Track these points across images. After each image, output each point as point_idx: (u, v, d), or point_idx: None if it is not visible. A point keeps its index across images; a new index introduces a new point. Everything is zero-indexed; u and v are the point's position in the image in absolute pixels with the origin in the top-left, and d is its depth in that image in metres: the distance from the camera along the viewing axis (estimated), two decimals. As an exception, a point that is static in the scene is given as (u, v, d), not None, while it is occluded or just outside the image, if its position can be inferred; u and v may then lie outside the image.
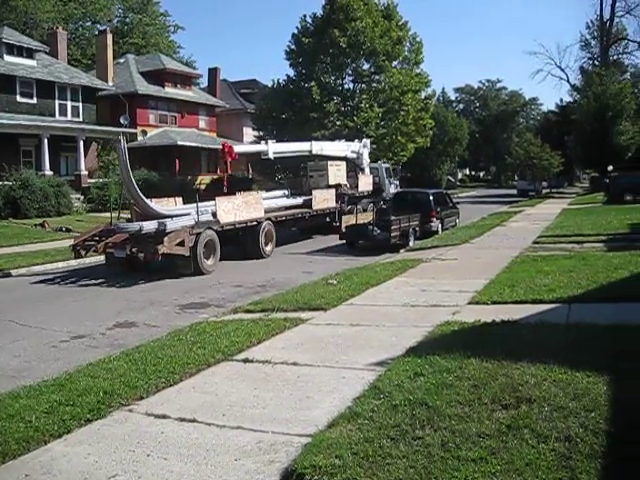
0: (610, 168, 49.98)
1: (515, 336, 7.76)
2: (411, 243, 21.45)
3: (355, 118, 39.00)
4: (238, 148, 23.37)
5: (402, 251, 20.25)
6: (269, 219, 20.92)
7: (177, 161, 42.27)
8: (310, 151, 27.34)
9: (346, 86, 43.36)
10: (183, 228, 16.87)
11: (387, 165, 35.76)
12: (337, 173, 28.08)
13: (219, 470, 4.83)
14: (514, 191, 65.18)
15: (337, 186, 27.29)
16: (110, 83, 41.01)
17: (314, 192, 24.85)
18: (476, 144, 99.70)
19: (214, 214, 18.72)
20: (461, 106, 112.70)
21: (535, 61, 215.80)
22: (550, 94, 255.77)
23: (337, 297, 11.50)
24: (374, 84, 42.58)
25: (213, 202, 19.16)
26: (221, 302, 13.06)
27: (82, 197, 32.90)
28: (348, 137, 36.88)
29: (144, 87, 43.11)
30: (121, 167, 18.41)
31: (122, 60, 46.90)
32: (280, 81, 43.09)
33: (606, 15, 73.21)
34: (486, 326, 8.49)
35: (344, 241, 22.40)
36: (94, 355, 8.68)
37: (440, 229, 24.86)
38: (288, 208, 23.79)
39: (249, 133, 49.26)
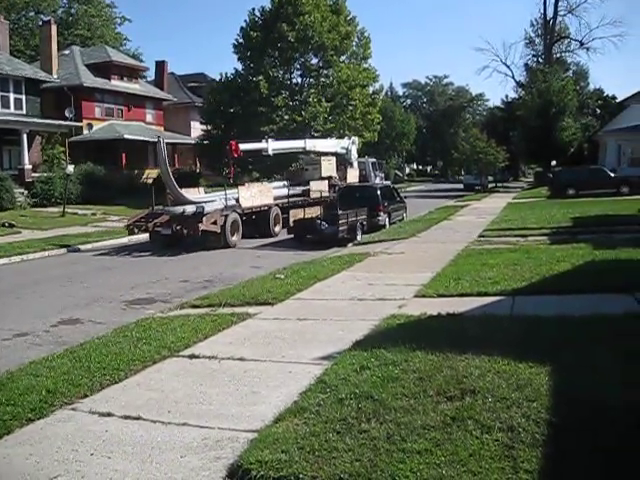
0: (553, 163, 50.97)
1: (460, 329, 7.84)
2: (359, 237, 21.54)
3: (303, 112, 38.94)
4: (242, 146, 25.51)
5: (350, 245, 20.33)
6: (277, 205, 24.53)
7: (123, 155, 41.66)
8: (304, 148, 30.87)
9: (294, 80, 43.28)
10: (215, 211, 21.20)
11: (373, 160, 40.20)
12: (328, 167, 31.50)
13: (164, 467, 4.78)
14: (461, 185, 65.92)
15: (329, 178, 30.79)
16: (55, 75, 40.07)
17: (311, 183, 28.48)
18: (423, 139, 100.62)
19: (237, 200, 22.78)
20: (409, 101, 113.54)
21: (481, 57, 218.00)
22: (496, 90, 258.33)
23: (284, 291, 11.48)
24: (322, 79, 42.60)
25: (234, 191, 23.42)
26: (167, 297, 12.92)
27: (26, 192, 32.12)
28: (296, 131, 37.09)
29: (90, 80, 42.27)
30: (160, 163, 22.80)
31: (67, 52, 45.81)
32: (228, 75, 42.75)
33: (549, 14, 74.75)
34: (432, 319, 8.57)
35: (292, 235, 22.41)
36: (37, 353, 8.51)
37: (387, 223, 25.04)
38: (290, 196, 26.54)
39: (197, 127, 48.85)
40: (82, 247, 21.80)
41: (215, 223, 20.83)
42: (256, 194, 23.93)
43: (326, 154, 32.47)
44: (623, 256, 12.82)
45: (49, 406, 6.09)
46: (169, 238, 21.34)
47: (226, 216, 21.39)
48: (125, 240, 23.34)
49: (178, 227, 20.71)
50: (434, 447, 4.64)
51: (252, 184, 26.23)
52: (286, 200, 26.00)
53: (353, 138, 36.76)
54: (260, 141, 28.14)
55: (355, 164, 35.76)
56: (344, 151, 34.60)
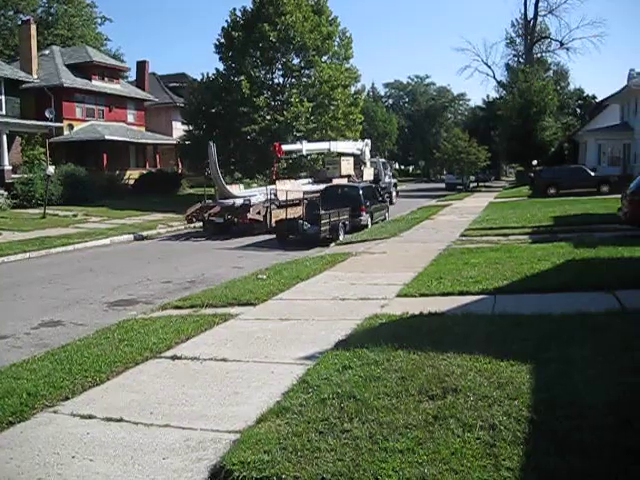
0: (535, 162, 51.26)
1: (442, 327, 7.89)
2: (341, 237, 21.59)
3: (285, 113, 38.82)
4: (284, 147, 30.89)
5: (332, 245, 20.37)
6: (305, 199, 25.91)
7: (104, 156, 41.38)
8: (329, 149, 36.27)
9: (276, 80, 43.10)
10: (259, 202, 25.29)
11: (383, 160, 46.93)
12: (347, 166, 35.68)
13: (147, 469, 4.77)
14: (443, 185, 66.15)
15: (348, 176, 34.62)
16: (34, 75, 39.61)
17: (334, 180, 31.46)
18: (405, 139, 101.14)
19: (275, 194, 25.70)
20: (390, 101, 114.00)
21: (462, 57, 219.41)
22: (477, 90, 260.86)
23: (267, 292, 11.49)
24: (304, 79, 42.49)
25: (271, 187, 27.33)
26: (150, 299, 12.87)
27: (6, 193, 31.80)
28: (278, 132, 37.12)
29: (70, 80, 41.90)
30: (210, 165, 26.95)
31: (47, 52, 45.39)
32: (210, 75, 42.50)
33: (530, 14, 75.40)
34: (414, 318, 8.61)
35: (274, 236, 22.41)
36: (18, 356, 8.44)
37: (370, 223, 25.14)
38: (315, 192, 27.82)
39: (178, 127, 48.61)
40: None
41: (259, 213, 24.82)
42: (290, 189, 26.55)
43: (345, 155, 36.96)
44: (603, 255, 12.93)
45: (30, 409, 6.05)
46: (220, 226, 25.32)
47: (268, 207, 24.98)
48: (107, 241, 23.30)
49: (229, 216, 25.11)
50: (416, 446, 4.66)
51: (285, 181, 29.87)
52: (312, 195, 27.69)
53: (367, 140, 41.31)
54: (296, 143, 33.86)
55: (368, 164, 39.91)
56: (359, 152, 39.01)
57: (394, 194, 43.31)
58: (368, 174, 38.09)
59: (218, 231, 25.22)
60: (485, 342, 6.98)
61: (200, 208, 26.81)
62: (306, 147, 33.20)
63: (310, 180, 33.31)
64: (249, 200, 24.85)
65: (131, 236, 25.11)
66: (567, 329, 7.37)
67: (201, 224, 26.69)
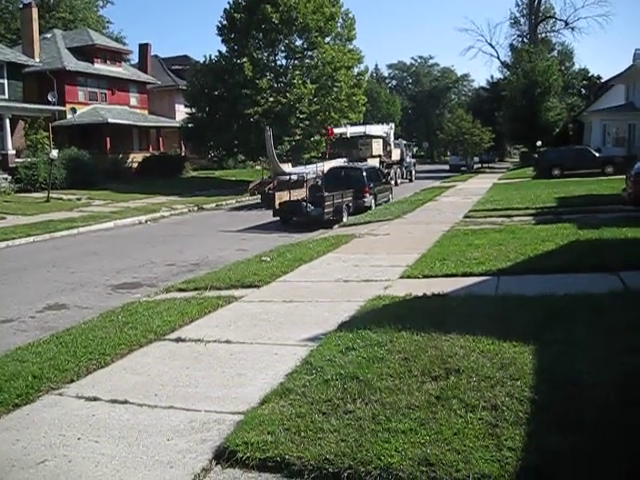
0: (539, 143, 51.08)
1: (445, 309, 7.91)
2: (344, 219, 21.58)
3: (288, 94, 38.72)
4: (336, 130, 36.63)
5: (336, 227, 20.38)
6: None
7: (108, 139, 41.34)
8: (364, 132, 40.62)
9: (279, 62, 42.96)
10: (311, 178, 26.21)
11: (405, 142, 53.69)
12: (377, 147, 41.35)
13: (151, 451, 4.80)
14: (447, 166, 66.07)
15: (378, 156, 40.45)
16: (37, 59, 39.45)
17: (368, 160, 35.65)
18: (409, 120, 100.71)
19: (322, 171, 27.46)
20: (394, 82, 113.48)
21: (466, 38, 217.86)
22: (481, 71, 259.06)
23: (270, 274, 11.51)
24: (307, 60, 42.32)
25: (321, 164, 30.58)
26: (154, 281, 12.91)
27: (9, 177, 31.81)
28: (281, 114, 37.08)
29: (72, 63, 41.81)
30: (267, 148, 29.46)
31: (49, 35, 45.20)
32: (212, 57, 42.34)
33: (535, -7, 74.55)
34: (417, 300, 8.62)
35: (278, 218, 22.40)
36: (23, 339, 8.49)
37: (373, 205, 25.15)
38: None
39: (181, 110, 48.56)
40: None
41: None
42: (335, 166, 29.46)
43: (375, 137, 41.70)
44: (607, 236, 12.91)
45: (35, 391, 6.08)
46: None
47: (318, 181, 26.40)
48: (111, 224, 23.33)
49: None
50: (419, 426, 4.68)
51: (330, 160, 33.48)
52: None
53: (391, 124, 46.90)
54: (343, 127, 39.09)
55: (393, 145, 45.32)
56: (385, 135, 44.10)
57: (413, 172, 49.83)
58: (396, 154, 44.86)
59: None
60: (488, 323, 6.99)
61: (260, 183, 30.38)
62: (350, 130, 38.52)
63: (345, 160, 35.30)
64: (303, 175, 26.22)
65: (135, 219, 25.06)
66: (570, 310, 7.37)
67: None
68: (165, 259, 15.65)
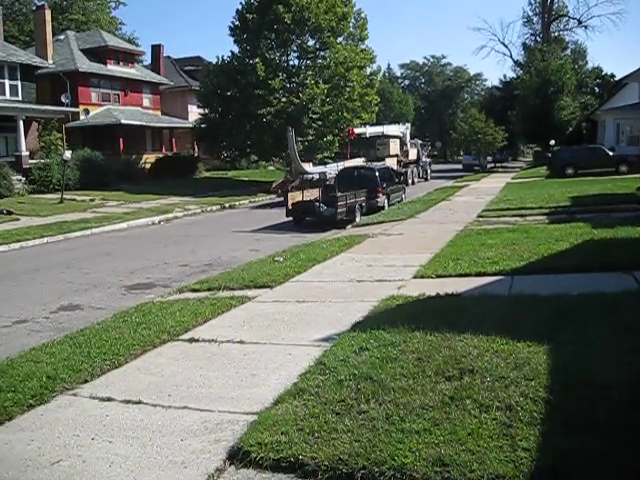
0: (552, 142, 50.81)
1: (459, 309, 7.88)
2: (357, 219, 21.57)
3: (300, 95, 38.70)
4: (356, 130, 37.68)
5: (348, 227, 20.37)
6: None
7: (121, 140, 41.45)
8: (383, 132, 42.01)
9: (291, 62, 42.89)
10: (332, 177, 26.92)
11: (421, 142, 54.05)
12: (394, 147, 42.53)
13: (165, 451, 4.81)
14: (460, 166, 65.89)
15: (396, 155, 41.69)
16: (50, 61, 39.65)
17: (386, 160, 37.26)
18: (422, 120, 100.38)
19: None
20: (406, 82, 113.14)
21: (479, 37, 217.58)
22: (494, 70, 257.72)
23: (283, 274, 11.52)
24: (319, 60, 42.25)
25: (341, 162, 32.78)
26: (167, 282, 12.94)
27: (23, 178, 31.95)
28: (293, 114, 37.12)
29: (85, 65, 41.96)
30: (289, 147, 30.01)
31: (62, 37, 45.39)
32: (224, 58, 42.38)
33: (547, -8, 74.23)
34: (430, 299, 8.60)
35: (291, 218, 22.41)
36: (37, 340, 8.53)
37: (386, 205, 25.13)
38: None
39: (194, 111, 48.61)
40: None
41: None
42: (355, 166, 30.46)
43: (392, 137, 42.97)
44: (621, 235, 12.83)
45: (50, 392, 6.11)
46: None
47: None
48: (124, 225, 23.41)
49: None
50: (433, 427, 4.67)
51: (350, 160, 34.95)
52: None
53: (407, 124, 48.54)
54: (362, 127, 40.06)
55: (409, 145, 46.30)
56: (402, 134, 45.26)
57: (429, 171, 50.65)
58: (413, 154, 45.97)
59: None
60: (502, 323, 6.96)
61: (283, 182, 30.40)
62: (369, 130, 39.86)
63: (363, 159, 36.87)
64: (325, 174, 27.29)
65: (148, 220, 25.08)
66: (584, 310, 7.33)
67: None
68: (178, 259, 15.68)
